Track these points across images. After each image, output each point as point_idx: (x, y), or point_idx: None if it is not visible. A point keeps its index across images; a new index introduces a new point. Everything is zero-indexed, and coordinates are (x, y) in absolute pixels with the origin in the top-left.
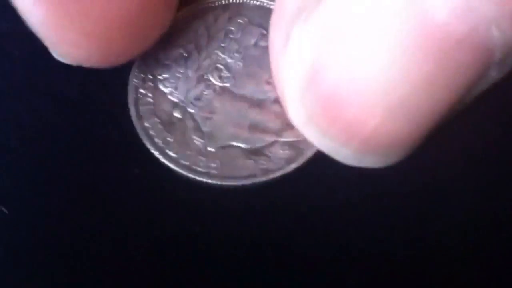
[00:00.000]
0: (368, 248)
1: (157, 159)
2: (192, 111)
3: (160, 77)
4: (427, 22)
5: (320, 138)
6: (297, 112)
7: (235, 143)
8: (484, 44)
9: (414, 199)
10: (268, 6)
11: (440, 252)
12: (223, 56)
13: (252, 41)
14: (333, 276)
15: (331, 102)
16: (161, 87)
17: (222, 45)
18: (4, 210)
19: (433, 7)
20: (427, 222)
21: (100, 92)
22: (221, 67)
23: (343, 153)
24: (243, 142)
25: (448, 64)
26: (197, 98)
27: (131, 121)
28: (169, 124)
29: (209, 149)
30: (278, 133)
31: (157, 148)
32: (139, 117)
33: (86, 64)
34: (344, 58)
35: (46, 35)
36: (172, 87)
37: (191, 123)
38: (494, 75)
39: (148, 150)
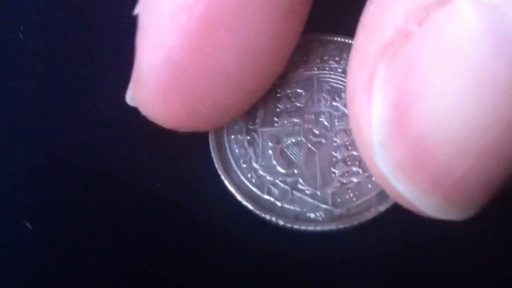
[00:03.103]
0: None
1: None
2: None
3: None
4: None
5: (406, 186)
6: (383, 159)
7: None
8: None
9: None
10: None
11: None
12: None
13: None
14: None
15: (420, 147)
16: None
17: None
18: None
19: None
20: None
21: None
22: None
23: (427, 202)
24: None
25: None
26: None
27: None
28: None
29: None
30: None
31: None
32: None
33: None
34: (434, 96)
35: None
36: None
37: None
38: None
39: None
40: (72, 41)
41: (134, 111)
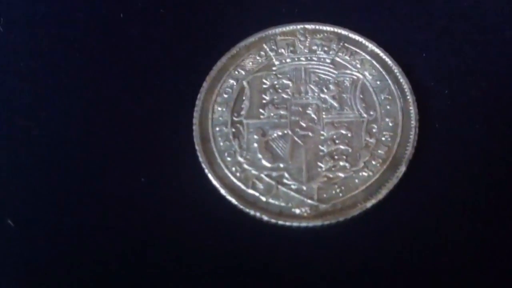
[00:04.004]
0: None
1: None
2: None
3: None
4: None
5: None
6: None
7: None
8: None
9: None
10: None
11: None
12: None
13: None
14: None
15: None
16: None
17: None
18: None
19: None
20: None
21: None
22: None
23: None
24: None
25: None
26: None
27: None
28: None
29: None
30: None
31: None
32: None
33: None
34: None
35: None
36: None
37: None
38: None
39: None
40: (57, 35)
41: (117, 104)
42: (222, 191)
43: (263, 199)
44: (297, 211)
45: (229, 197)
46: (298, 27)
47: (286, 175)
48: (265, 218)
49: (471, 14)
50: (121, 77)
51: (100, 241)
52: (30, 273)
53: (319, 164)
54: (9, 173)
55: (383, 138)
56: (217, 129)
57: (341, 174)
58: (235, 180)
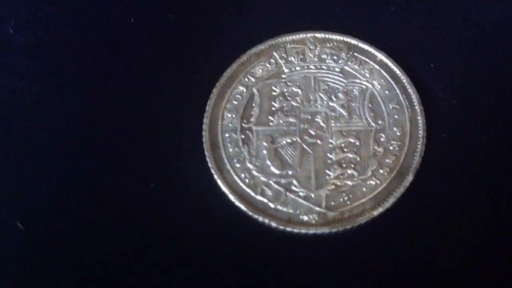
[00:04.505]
0: None
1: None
2: None
3: None
4: None
5: None
6: None
7: None
8: None
9: None
10: None
11: None
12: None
13: None
14: None
15: None
16: None
17: None
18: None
19: None
20: None
21: None
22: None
23: None
24: None
25: None
26: None
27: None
28: None
29: None
30: None
31: None
32: None
33: None
34: None
35: None
36: None
37: None
38: None
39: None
40: (65, 37)
41: (127, 109)
42: (231, 197)
43: (272, 205)
44: (305, 218)
45: (238, 203)
46: (308, 35)
47: (295, 182)
48: (274, 224)
49: (482, 24)
50: (131, 82)
51: (109, 245)
52: (30, 273)
53: (328, 172)
54: (17, 174)
55: (391, 147)
56: (227, 135)
57: (349, 182)
58: (244, 187)
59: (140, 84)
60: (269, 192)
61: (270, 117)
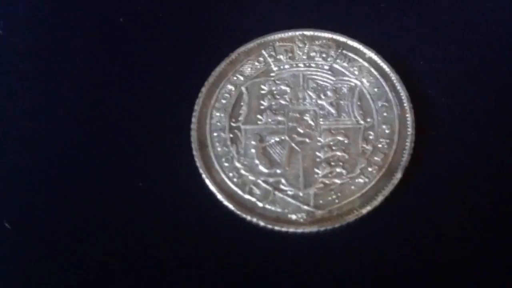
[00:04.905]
0: None
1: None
2: None
3: None
4: None
5: None
6: None
7: None
8: None
9: None
10: None
11: None
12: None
13: None
14: None
15: None
16: None
17: None
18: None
19: None
20: None
21: None
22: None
23: None
24: None
25: None
26: None
27: None
28: None
29: None
30: None
31: None
32: None
33: None
34: None
35: None
36: None
37: None
38: None
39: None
40: (58, 38)
41: (115, 108)
42: (219, 196)
43: (260, 204)
44: (294, 217)
45: (226, 203)
46: (297, 33)
47: (283, 181)
48: (262, 223)
49: (471, 22)
50: (119, 81)
51: (96, 245)
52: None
53: (316, 170)
54: None
55: (380, 145)
56: (215, 134)
57: (338, 181)
58: (232, 186)
59: (129, 83)
60: (257, 191)
61: (259, 116)
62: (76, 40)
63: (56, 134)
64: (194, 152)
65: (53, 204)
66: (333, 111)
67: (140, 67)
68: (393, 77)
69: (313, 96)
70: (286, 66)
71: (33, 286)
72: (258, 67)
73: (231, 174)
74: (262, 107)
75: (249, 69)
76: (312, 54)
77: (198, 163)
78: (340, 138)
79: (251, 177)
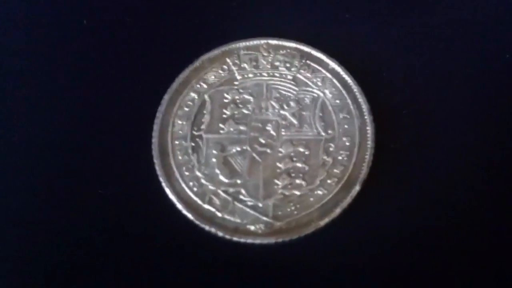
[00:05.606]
0: None
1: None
2: None
3: None
4: None
5: None
6: None
7: None
8: None
9: None
10: None
11: None
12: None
13: None
14: None
15: None
16: None
17: None
18: None
19: None
20: None
21: None
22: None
23: None
24: None
25: None
26: None
27: None
28: None
29: None
30: None
31: None
32: None
33: None
34: None
35: None
36: None
37: None
38: None
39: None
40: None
41: (75, 113)
42: (179, 206)
43: (219, 215)
44: (252, 228)
45: (185, 212)
46: (262, 42)
47: (243, 191)
48: (220, 234)
49: (435, 32)
50: (81, 86)
51: (51, 251)
52: None
53: (276, 181)
54: None
55: (340, 157)
56: (177, 142)
57: (297, 192)
58: (192, 195)
59: (90, 87)
60: (217, 201)
61: (221, 125)
62: (29, 41)
63: (16, 138)
64: (155, 160)
65: (8, 207)
66: (295, 122)
67: (102, 72)
68: (355, 89)
69: (276, 106)
70: (250, 75)
71: None
72: (222, 75)
73: (191, 183)
74: (224, 116)
75: (213, 77)
76: (276, 63)
77: (159, 171)
78: (301, 149)
79: (211, 187)
